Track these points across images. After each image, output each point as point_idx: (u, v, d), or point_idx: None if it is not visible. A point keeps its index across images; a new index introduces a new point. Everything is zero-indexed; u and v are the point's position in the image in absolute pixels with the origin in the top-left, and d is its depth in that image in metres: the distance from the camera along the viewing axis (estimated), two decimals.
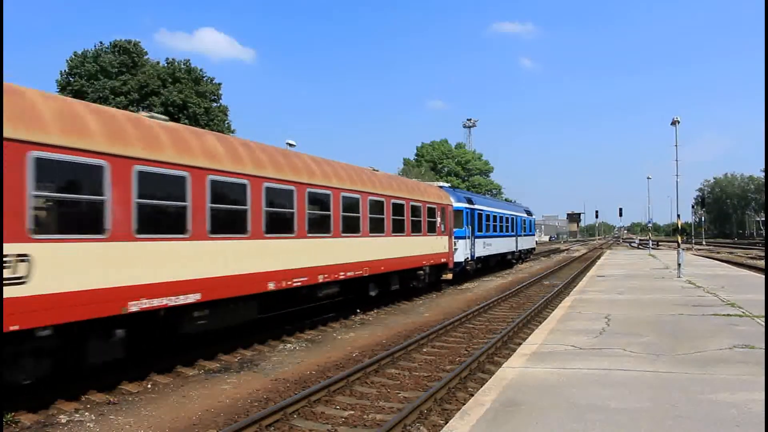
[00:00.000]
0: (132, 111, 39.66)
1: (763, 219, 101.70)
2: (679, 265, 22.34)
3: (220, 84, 47.40)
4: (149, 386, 9.34)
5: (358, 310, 17.00)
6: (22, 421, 7.61)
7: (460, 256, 25.28)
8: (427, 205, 21.00)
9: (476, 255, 28.25)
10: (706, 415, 5.78)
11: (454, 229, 24.52)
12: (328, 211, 14.25)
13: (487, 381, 7.70)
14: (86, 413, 7.99)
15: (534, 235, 50.77)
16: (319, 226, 13.75)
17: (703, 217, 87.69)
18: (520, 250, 40.52)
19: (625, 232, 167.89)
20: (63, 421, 7.70)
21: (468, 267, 27.02)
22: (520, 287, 23.69)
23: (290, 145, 21.32)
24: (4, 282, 6.88)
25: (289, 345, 12.59)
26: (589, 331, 10.64)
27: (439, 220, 22.17)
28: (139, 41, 45.90)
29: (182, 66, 45.07)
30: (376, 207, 16.78)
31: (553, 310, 14.40)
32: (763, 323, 10.81)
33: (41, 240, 7.35)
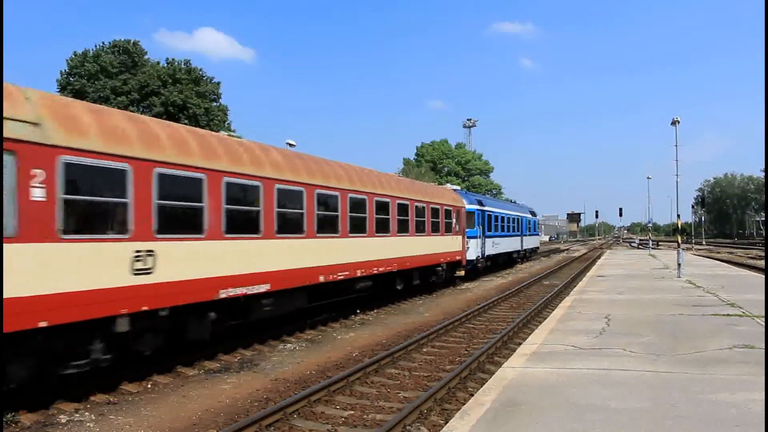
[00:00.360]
0: (132, 111, 39.39)
1: (763, 219, 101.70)
2: (679, 265, 22.34)
3: (219, 83, 47.41)
4: (149, 386, 9.34)
5: (358, 311, 17.01)
6: (22, 421, 7.62)
7: (472, 254, 27.00)
8: (444, 208, 22.77)
9: (486, 253, 29.97)
10: (706, 415, 5.78)
11: (467, 230, 26.06)
12: (364, 213, 16.07)
13: (487, 381, 7.70)
14: (86, 413, 7.99)
15: (538, 234, 53.09)
16: (357, 227, 15.57)
17: (703, 217, 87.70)
18: (525, 249, 42.09)
19: (625, 232, 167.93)
20: (63, 421, 7.70)
21: (479, 265, 28.74)
22: (520, 287, 23.69)
23: (290, 145, 21.34)
24: (137, 272, 8.72)
25: (289, 345, 12.59)
26: (589, 331, 10.64)
27: (454, 221, 23.95)
28: (138, 41, 45.92)
29: (182, 66, 45.07)
30: (402, 209, 18.67)
31: (553, 310, 14.40)
32: (763, 323, 10.81)
33: (162, 239, 9.14)
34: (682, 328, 10.80)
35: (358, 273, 15.40)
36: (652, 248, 51.34)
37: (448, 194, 24.63)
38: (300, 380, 9.73)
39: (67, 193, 7.73)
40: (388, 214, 17.58)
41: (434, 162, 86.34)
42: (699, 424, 5.53)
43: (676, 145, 26.46)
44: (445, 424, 6.12)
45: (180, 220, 9.72)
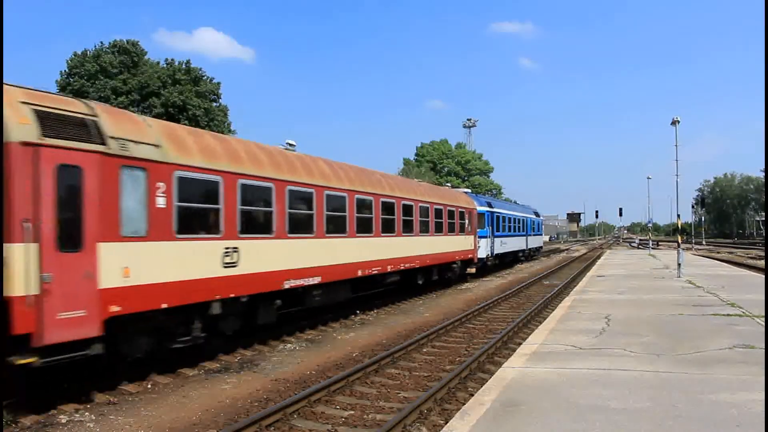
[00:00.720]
0: (133, 111, 39.68)
1: (763, 219, 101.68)
2: (679, 265, 22.34)
3: (219, 83, 47.39)
4: (149, 386, 9.34)
5: (358, 311, 17.02)
6: (22, 421, 7.61)
7: (482, 252, 29.21)
8: (459, 210, 24.90)
9: (495, 252, 32.26)
10: (707, 415, 5.77)
11: (477, 230, 28.12)
12: (393, 215, 18.05)
13: (487, 381, 7.71)
14: (86, 413, 7.99)
15: (542, 234, 55.65)
16: (387, 227, 17.52)
17: (703, 217, 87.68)
18: (529, 248, 44.36)
19: (625, 232, 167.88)
20: (63, 421, 7.70)
21: (489, 262, 31.08)
22: (520, 287, 23.69)
23: (290, 144, 21.28)
24: (226, 265, 10.50)
25: (289, 345, 12.59)
26: (589, 331, 10.64)
27: (467, 222, 26.05)
28: (138, 41, 45.91)
29: (182, 66, 45.05)
30: (423, 212, 20.62)
31: (553, 310, 14.40)
32: (763, 323, 10.81)
33: (244, 238, 10.98)
34: (682, 328, 10.80)
35: (388, 269, 17.50)
36: (652, 248, 51.34)
37: (461, 197, 27.05)
38: (300, 380, 9.73)
39: (179, 201, 9.53)
40: (411, 216, 19.58)
41: (434, 162, 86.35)
42: (699, 424, 5.53)
43: (676, 145, 26.46)
44: (445, 424, 6.12)
45: (256, 222, 11.63)
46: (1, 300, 6.92)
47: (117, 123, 8.83)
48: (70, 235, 7.83)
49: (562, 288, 22.75)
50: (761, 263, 33.37)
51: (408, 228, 19.17)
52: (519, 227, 40.04)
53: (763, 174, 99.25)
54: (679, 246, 23.18)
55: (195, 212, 10.07)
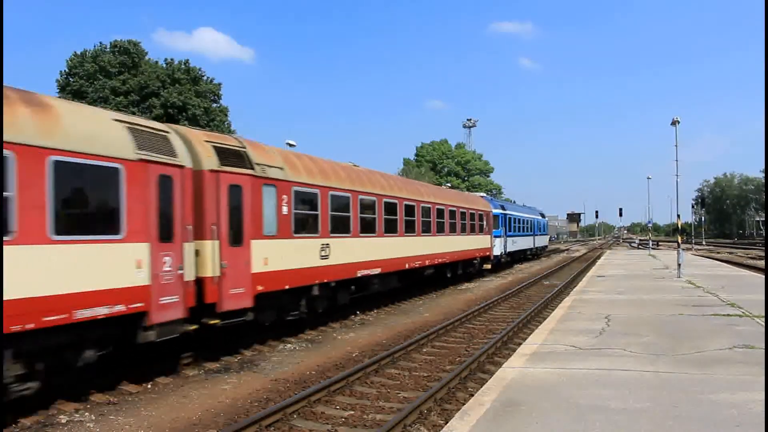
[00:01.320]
0: (132, 112, 39.33)
1: (763, 219, 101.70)
2: (679, 265, 22.34)
3: (219, 84, 47.40)
4: (149, 386, 9.34)
5: (358, 312, 17.02)
6: (22, 421, 7.61)
7: (497, 250, 32.58)
8: (478, 212, 28.67)
9: (508, 250, 35.81)
10: (707, 415, 5.77)
11: (493, 230, 31.66)
12: (429, 217, 21.52)
13: (487, 381, 7.71)
14: (86, 413, 7.99)
15: (547, 234, 60.04)
16: (426, 227, 21.11)
17: (703, 217, 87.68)
18: (536, 247, 48.43)
19: (625, 232, 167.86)
20: (63, 421, 7.70)
21: (502, 259, 34.58)
22: (519, 287, 23.69)
23: (290, 145, 21.33)
24: (322, 257, 13.75)
25: (289, 345, 12.58)
26: (589, 331, 10.64)
27: (485, 223, 29.79)
28: (139, 41, 45.88)
29: (181, 66, 45.04)
30: (452, 214, 24.27)
31: (553, 311, 14.40)
32: (763, 323, 10.81)
33: (333, 237, 14.33)
34: (682, 328, 10.80)
35: (426, 263, 20.83)
36: (652, 248, 51.34)
37: (480, 201, 31.16)
38: (300, 380, 9.72)
39: (295, 209, 12.72)
40: (443, 219, 23.05)
41: (434, 162, 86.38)
42: (699, 424, 5.53)
43: (676, 145, 26.45)
44: (445, 424, 6.12)
45: (340, 224, 14.85)
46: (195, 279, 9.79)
47: (257, 153, 11.89)
48: (236, 235, 10.84)
49: (562, 288, 22.75)
50: (761, 263, 33.37)
51: (440, 229, 22.67)
52: (528, 228, 43.70)
53: (763, 174, 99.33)
54: (679, 246, 23.18)
55: (304, 217, 13.31)
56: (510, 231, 36.59)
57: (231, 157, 10.90)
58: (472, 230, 27.22)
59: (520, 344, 10.21)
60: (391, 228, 17.97)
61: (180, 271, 9.51)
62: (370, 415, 7.81)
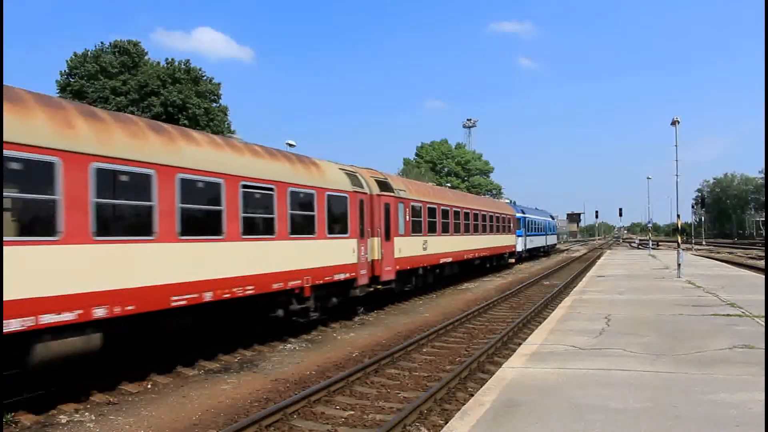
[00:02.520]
0: (132, 111, 39.33)
1: (763, 219, 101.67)
2: (679, 265, 22.34)
3: (219, 84, 47.37)
4: (149, 386, 9.34)
5: (361, 309, 17.03)
6: (22, 421, 7.61)
7: (519, 247, 40.01)
8: (506, 216, 36.21)
9: (527, 247, 43.60)
10: (706, 415, 5.77)
11: (516, 230, 39.06)
12: (477, 221, 28.45)
13: (487, 381, 7.70)
14: (86, 413, 7.99)
15: (556, 234, 69.56)
16: (467, 228, 26.71)
17: (702, 217, 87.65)
18: (548, 245, 57.08)
19: (625, 232, 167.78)
20: (63, 421, 7.70)
21: (523, 254, 42.68)
22: (519, 287, 23.70)
23: (290, 145, 21.33)
24: (423, 248, 20.12)
25: (289, 345, 12.58)
26: (589, 331, 10.64)
27: (511, 225, 37.47)
28: (139, 41, 45.86)
29: (182, 66, 45.02)
30: (489, 218, 31.17)
31: (553, 311, 14.39)
32: (763, 323, 10.81)
33: (429, 235, 20.86)
34: (682, 328, 10.80)
35: (475, 255, 27.78)
36: (652, 248, 51.33)
37: (506, 206, 39.23)
38: (300, 380, 9.72)
39: (412, 217, 18.89)
40: (485, 222, 30.20)
41: (434, 162, 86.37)
42: (699, 424, 5.53)
43: (676, 145, 26.41)
44: (445, 424, 6.12)
45: (431, 226, 21.39)
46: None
47: (393, 181, 18.95)
48: (387, 234, 17.20)
49: (562, 288, 22.75)
50: (761, 263, 33.37)
51: (482, 230, 29.53)
52: (541, 228, 51.72)
53: (763, 174, 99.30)
54: (679, 246, 23.17)
55: (415, 222, 19.73)
56: (528, 231, 44.29)
57: (383, 186, 17.62)
58: (503, 231, 34.60)
59: (520, 344, 10.20)
60: (456, 229, 24.87)
61: (366, 256, 16.00)
62: (370, 415, 7.81)
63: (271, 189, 11.84)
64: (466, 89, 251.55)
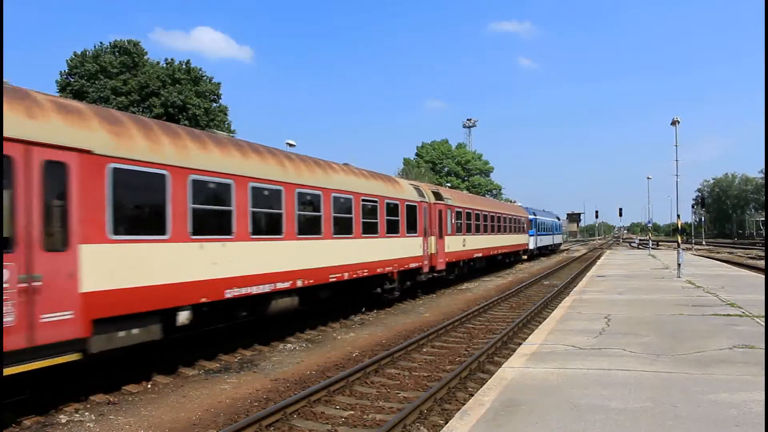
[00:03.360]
0: (133, 111, 39.60)
1: (763, 219, 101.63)
2: (679, 265, 22.34)
3: (219, 84, 47.35)
4: (149, 386, 9.34)
5: (363, 309, 17.04)
6: (22, 421, 7.61)
7: (531, 245, 45.22)
8: (520, 218, 41.35)
9: (537, 245, 48.83)
10: (706, 415, 5.78)
11: (528, 231, 44.68)
12: (500, 222, 33.64)
13: (487, 381, 7.70)
14: (86, 413, 7.99)
15: (562, 233, 76.51)
16: (492, 229, 31.64)
17: (702, 217, 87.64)
18: (554, 243, 62.58)
19: (625, 232, 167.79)
20: (63, 421, 7.70)
21: (534, 252, 47.96)
22: (519, 287, 23.69)
23: (290, 144, 21.31)
24: (462, 245, 25.39)
25: (289, 345, 12.58)
26: (589, 331, 10.64)
27: (525, 225, 42.51)
28: (139, 41, 45.85)
29: (182, 66, 45.02)
30: (507, 219, 35.94)
31: (552, 310, 14.39)
32: (763, 323, 10.81)
33: (467, 234, 26.07)
34: (682, 328, 10.80)
35: (498, 251, 33.08)
36: (652, 248, 51.32)
37: (520, 210, 44.00)
38: (300, 380, 9.72)
39: (456, 220, 24.07)
40: (505, 223, 35.32)
41: (434, 162, 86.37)
42: (699, 424, 5.53)
43: (676, 145, 26.42)
44: (445, 424, 6.12)
45: (467, 227, 25.50)
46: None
47: (444, 192, 23.96)
48: (440, 233, 21.73)
49: (562, 288, 22.75)
50: (761, 263, 33.37)
51: (503, 230, 34.52)
52: (549, 228, 57.19)
53: (763, 174, 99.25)
54: (679, 246, 23.18)
55: (457, 223, 24.42)
56: (539, 231, 49.84)
57: (437, 196, 22.45)
58: (519, 231, 39.77)
59: (520, 344, 10.20)
60: (485, 230, 29.86)
61: (427, 250, 20.43)
62: (370, 415, 7.81)
63: (375, 201, 16.80)
64: (465, 89, 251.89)
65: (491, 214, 31.47)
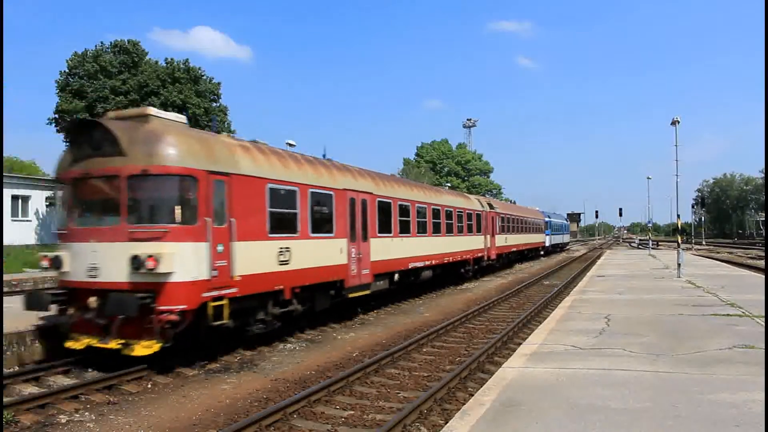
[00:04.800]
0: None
1: (763, 219, 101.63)
2: (678, 265, 22.34)
3: (219, 84, 47.33)
4: (149, 386, 9.34)
5: (359, 309, 17.03)
6: (22, 421, 7.62)
7: (546, 243, 54.06)
8: (537, 219, 49.84)
9: (551, 243, 57.48)
10: (706, 415, 5.78)
11: (544, 231, 54.26)
12: (525, 224, 42.94)
13: (487, 381, 7.70)
14: (86, 413, 7.99)
15: (569, 233, 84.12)
16: (520, 229, 40.89)
17: (702, 217, 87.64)
18: (563, 242, 70.90)
19: (625, 232, 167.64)
20: (63, 421, 7.70)
21: (549, 249, 56.45)
22: (519, 287, 23.70)
23: (290, 144, 21.27)
24: (505, 242, 35.61)
25: (289, 345, 12.58)
26: (588, 331, 10.64)
27: (542, 226, 51.51)
28: (138, 41, 45.82)
29: (181, 66, 45.00)
30: (528, 221, 44.25)
31: (552, 310, 14.39)
32: (763, 323, 10.81)
33: (504, 233, 35.33)
34: (682, 328, 10.80)
35: (525, 247, 41.88)
36: (652, 248, 51.34)
37: (539, 213, 53.12)
38: (300, 380, 9.72)
39: (501, 224, 34.19)
40: (528, 224, 43.83)
41: (434, 162, 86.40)
42: (699, 424, 5.53)
43: (676, 145, 26.42)
44: (445, 424, 6.11)
45: (505, 229, 35.31)
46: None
47: (494, 203, 36.32)
48: (492, 233, 31.55)
49: (562, 288, 22.75)
50: (761, 263, 33.37)
51: (529, 230, 44.04)
52: (559, 228, 66.08)
53: (763, 174, 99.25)
54: (678, 246, 23.18)
55: (501, 225, 33.81)
56: (552, 231, 58.26)
57: (490, 206, 31.77)
58: (537, 231, 48.88)
59: (520, 344, 10.20)
60: (516, 230, 38.89)
61: (486, 245, 29.67)
62: (370, 415, 7.81)
63: (461, 211, 26.13)
64: (464, 89, 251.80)
65: (522, 218, 41.80)
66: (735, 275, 23.58)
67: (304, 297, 13.08)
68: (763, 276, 21.57)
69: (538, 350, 9.06)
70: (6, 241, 32.78)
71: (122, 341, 9.38)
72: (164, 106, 41.86)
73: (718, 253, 51.39)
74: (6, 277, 22.20)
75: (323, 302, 14.20)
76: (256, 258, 11.24)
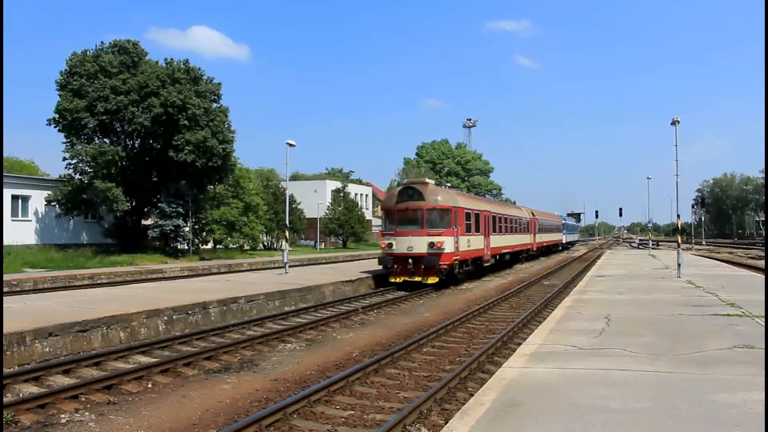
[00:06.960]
0: (133, 111, 39.41)
1: (763, 219, 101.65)
2: (679, 265, 22.34)
3: (220, 84, 47.26)
4: (149, 386, 9.34)
5: (359, 309, 17.04)
6: (22, 421, 7.61)
7: (563, 241, 64.48)
8: (558, 222, 62.55)
9: (566, 241, 68.49)
10: (706, 415, 5.77)
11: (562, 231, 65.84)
12: (548, 226, 55.31)
13: (487, 381, 7.69)
14: (86, 413, 7.99)
15: (577, 233, 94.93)
16: (546, 230, 53.02)
17: (702, 217, 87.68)
18: (573, 240, 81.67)
19: (625, 232, 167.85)
20: (63, 421, 7.70)
21: (566, 245, 67.89)
22: (519, 287, 23.70)
23: (290, 144, 21.30)
24: (533, 238, 46.17)
25: (289, 345, 12.59)
26: (589, 331, 10.64)
27: (560, 228, 62.67)
28: (138, 41, 45.78)
29: (181, 66, 44.93)
30: (549, 224, 56.00)
31: (553, 310, 14.39)
32: (763, 323, 10.81)
33: (541, 234, 50.67)
34: (682, 328, 10.80)
35: (551, 243, 56.12)
36: (652, 248, 51.38)
37: (557, 216, 63.50)
38: (300, 380, 9.72)
39: (539, 225, 49.51)
40: (550, 226, 55.13)
41: (434, 162, 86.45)
42: (699, 424, 5.53)
43: (676, 145, 26.35)
44: (445, 424, 6.11)
45: (544, 231, 51.39)
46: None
47: (533, 210, 48.41)
48: (535, 232, 45.90)
49: (562, 288, 22.75)
50: (761, 263, 33.39)
51: (552, 230, 55.51)
52: (571, 229, 76.87)
53: (763, 174, 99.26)
54: (679, 246, 23.18)
55: (538, 227, 47.51)
56: (567, 231, 68.77)
57: (533, 213, 45.84)
58: (558, 231, 60.55)
59: (520, 344, 10.20)
60: (544, 231, 49.43)
61: (534, 240, 44.70)
62: (370, 415, 7.81)
63: (519, 219, 39.51)
64: (463, 88, 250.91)
65: (549, 221, 54.46)
66: (735, 275, 23.59)
67: (471, 263, 26.63)
68: (763, 276, 21.57)
69: (538, 350, 9.06)
70: (6, 241, 32.80)
71: (420, 278, 22.72)
72: (164, 106, 41.78)
73: (718, 253, 51.42)
74: (6, 277, 22.21)
75: (477, 267, 27.96)
76: (463, 244, 24.99)
